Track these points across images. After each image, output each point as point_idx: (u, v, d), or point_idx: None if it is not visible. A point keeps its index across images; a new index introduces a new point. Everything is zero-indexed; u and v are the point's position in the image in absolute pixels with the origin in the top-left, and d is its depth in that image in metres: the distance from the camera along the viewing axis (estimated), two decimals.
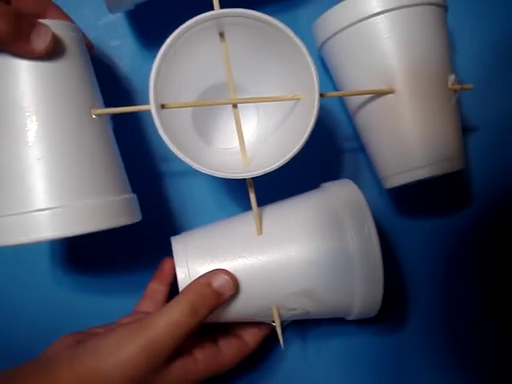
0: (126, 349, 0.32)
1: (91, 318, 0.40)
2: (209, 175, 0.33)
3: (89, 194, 0.32)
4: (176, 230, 0.44)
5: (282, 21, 0.38)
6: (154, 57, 0.32)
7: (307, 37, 0.42)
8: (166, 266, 0.41)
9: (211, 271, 0.36)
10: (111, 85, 0.44)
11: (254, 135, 0.43)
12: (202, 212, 0.45)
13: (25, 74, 0.31)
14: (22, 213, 0.31)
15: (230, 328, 0.40)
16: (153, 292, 0.41)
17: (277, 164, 0.34)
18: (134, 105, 0.39)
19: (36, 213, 0.31)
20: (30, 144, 0.31)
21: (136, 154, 0.42)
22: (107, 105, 0.36)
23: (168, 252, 0.38)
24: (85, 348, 0.34)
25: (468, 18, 0.48)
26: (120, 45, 0.45)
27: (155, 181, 0.44)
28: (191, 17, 0.32)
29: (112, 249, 0.44)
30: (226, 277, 0.35)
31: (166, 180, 0.45)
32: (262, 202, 0.38)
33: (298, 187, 0.40)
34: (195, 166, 0.33)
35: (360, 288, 0.36)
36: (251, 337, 0.39)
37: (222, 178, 0.34)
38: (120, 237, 0.39)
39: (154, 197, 0.44)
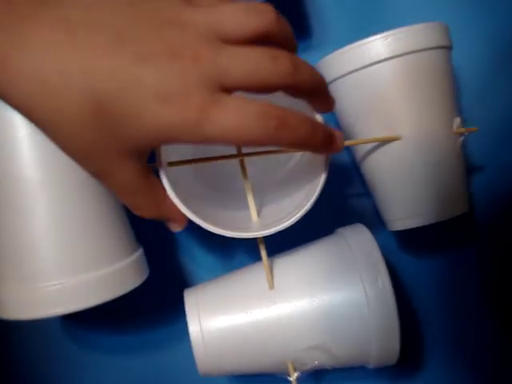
0: None
1: (95, 370, 0.41)
2: None
3: (97, 265, 0.31)
4: (186, 277, 0.44)
5: None
6: None
7: None
8: None
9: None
10: None
11: (260, 175, 0.42)
12: (212, 258, 0.45)
13: (26, 143, 0.30)
14: (32, 287, 0.30)
15: None
16: None
17: (287, 223, 0.34)
18: None
19: (46, 288, 0.30)
20: (35, 216, 0.30)
21: None
22: None
23: (179, 302, 0.37)
24: None
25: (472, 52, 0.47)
26: None
27: (165, 231, 0.44)
28: None
29: (120, 299, 0.44)
30: None
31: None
32: (272, 244, 0.37)
33: (307, 226, 0.39)
34: (204, 225, 0.33)
35: (375, 339, 0.35)
36: None
37: None
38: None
39: (165, 247, 0.44)
